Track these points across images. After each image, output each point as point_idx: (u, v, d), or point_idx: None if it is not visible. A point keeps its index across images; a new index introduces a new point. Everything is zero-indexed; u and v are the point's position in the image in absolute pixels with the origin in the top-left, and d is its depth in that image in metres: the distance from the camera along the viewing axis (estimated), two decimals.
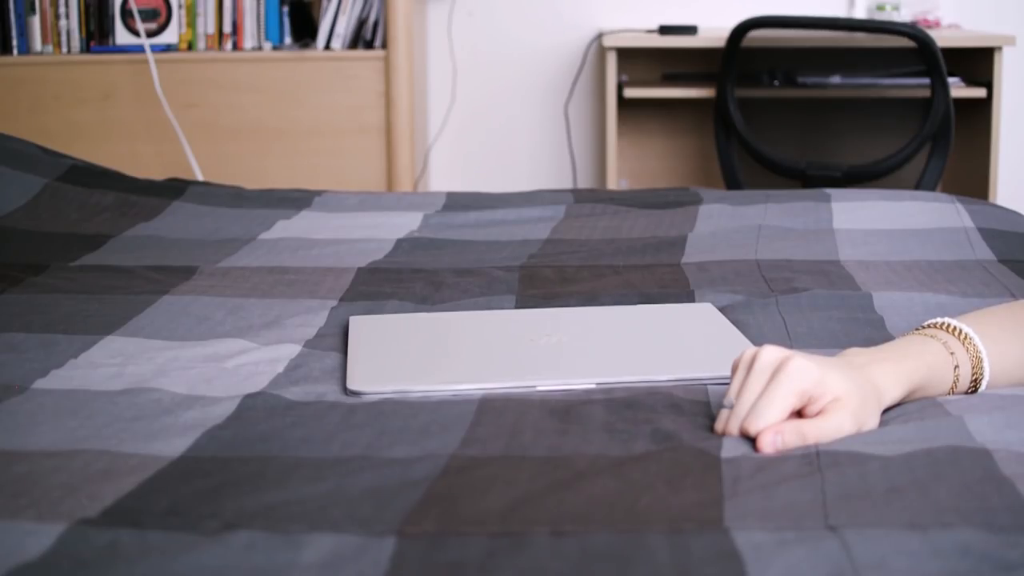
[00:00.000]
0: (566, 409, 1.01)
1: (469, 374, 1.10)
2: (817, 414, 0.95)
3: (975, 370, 1.06)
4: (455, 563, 0.74)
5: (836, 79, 3.28)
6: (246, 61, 3.16)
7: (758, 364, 0.97)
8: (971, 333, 1.06)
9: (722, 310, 1.30)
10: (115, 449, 0.94)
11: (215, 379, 1.11)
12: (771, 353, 0.97)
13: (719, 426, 0.97)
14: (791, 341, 1.20)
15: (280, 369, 1.14)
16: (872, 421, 0.97)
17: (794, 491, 0.83)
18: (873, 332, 1.24)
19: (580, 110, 3.68)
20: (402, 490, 0.85)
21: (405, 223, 1.78)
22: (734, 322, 1.25)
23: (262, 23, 3.20)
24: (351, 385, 1.08)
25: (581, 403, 1.02)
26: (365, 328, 1.24)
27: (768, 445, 0.92)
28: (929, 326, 1.07)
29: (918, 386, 1.03)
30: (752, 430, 0.94)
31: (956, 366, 1.05)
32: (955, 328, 1.06)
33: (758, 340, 1.19)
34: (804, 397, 0.95)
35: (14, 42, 3.14)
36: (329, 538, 0.77)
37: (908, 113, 3.45)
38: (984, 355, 1.06)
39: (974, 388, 1.06)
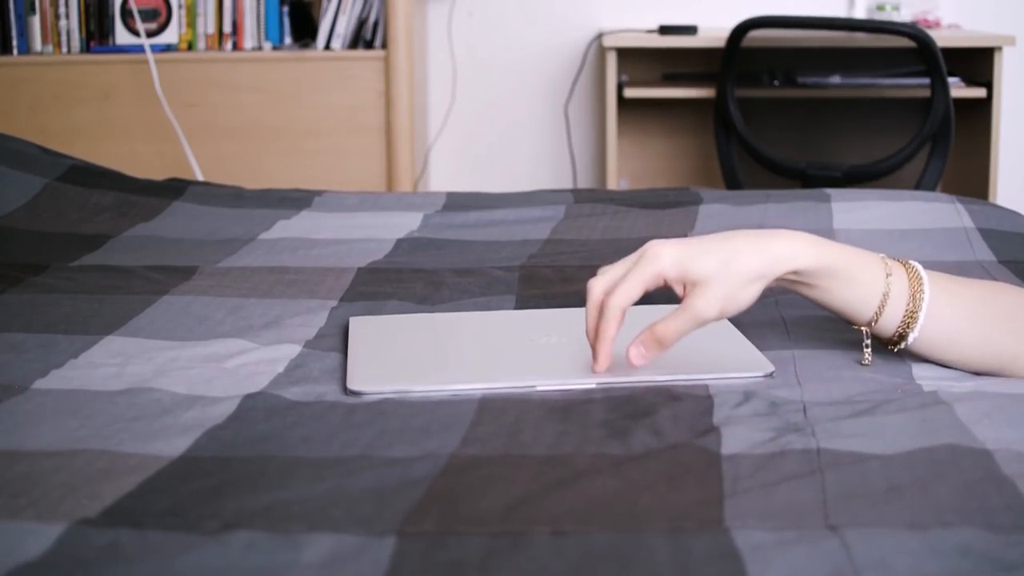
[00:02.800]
0: (566, 409, 1.01)
1: (469, 374, 1.10)
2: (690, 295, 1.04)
3: (912, 303, 1.06)
4: (455, 563, 0.74)
5: (836, 79, 3.28)
6: (246, 61, 3.16)
7: (631, 255, 1.06)
8: (922, 273, 1.07)
9: None
10: (115, 449, 0.94)
11: (215, 379, 1.11)
12: (646, 244, 1.05)
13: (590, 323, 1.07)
14: (791, 341, 1.20)
15: (280, 369, 1.14)
16: (744, 295, 1.03)
17: (794, 490, 0.83)
18: None
19: (580, 110, 3.68)
20: (402, 490, 0.85)
21: (405, 223, 1.77)
22: (733, 322, 1.25)
23: (262, 23, 3.21)
24: (351, 385, 1.08)
25: (581, 403, 1.02)
26: (365, 328, 1.24)
27: (636, 358, 1.05)
28: (891, 259, 1.09)
29: (833, 270, 1.05)
30: (607, 310, 1.04)
31: (885, 294, 1.06)
32: (910, 265, 1.08)
33: (757, 339, 1.19)
34: (659, 279, 1.04)
35: (14, 42, 3.14)
36: (329, 538, 0.77)
37: (908, 113, 3.45)
38: (926, 294, 1.06)
39: (905, 327, 1.07)
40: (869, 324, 1.08)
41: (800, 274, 1.06)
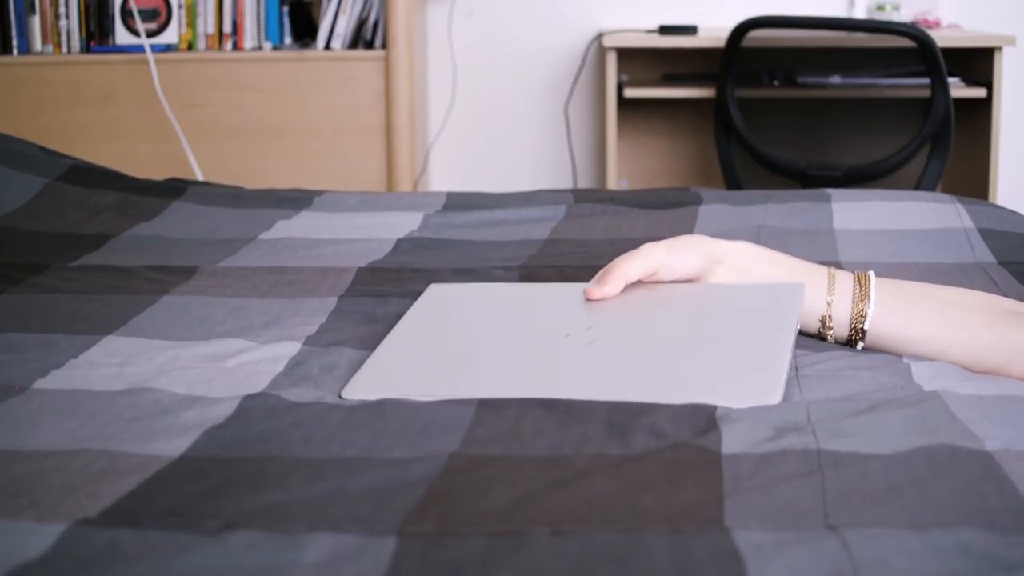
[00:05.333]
0: (566, 408, 1.01)
1: (469, 381, 1.08)
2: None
3: (856, 315, 1.15)
4: (455, 563, 0.74)
5: (836, 79, 3.28)
6: (246, 61, 3.16)
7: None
8: (872, 287, 1.15)
9: None
10: (115, 449, 0.94)
11: (215, 379, 1.11)
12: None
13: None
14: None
15: (280, 369, 1.14)
16: (686, 254, 1.18)
17: (794, 490, 0.83)
18: None
19: (580, 110, 3.68)
20: (402, 490, 0.85)
21: (405, 223, 1.77)
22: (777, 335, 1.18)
23: (262, 23, 3.21)
24: (345, 393, 1.06)
25: (581, 403, 1.02)
26: (434, 301, 1.26)
27: (594, 291, 1.17)
28: (853, 273, 1.18)
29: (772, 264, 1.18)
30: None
31: (824, 317, 1.16)
32: (862, 276, 1.16)
33: None
34: (643, 265, 1.20)
35: (14, 42, 3.14)
36: (329, 538, 0.77)
37: (908, 113, 3.45)
38: (870, 311, 1.14)
39: (853, 340, 1.16)
40: (821, 336, 1.18)
41: (743, 272, 1.19)
